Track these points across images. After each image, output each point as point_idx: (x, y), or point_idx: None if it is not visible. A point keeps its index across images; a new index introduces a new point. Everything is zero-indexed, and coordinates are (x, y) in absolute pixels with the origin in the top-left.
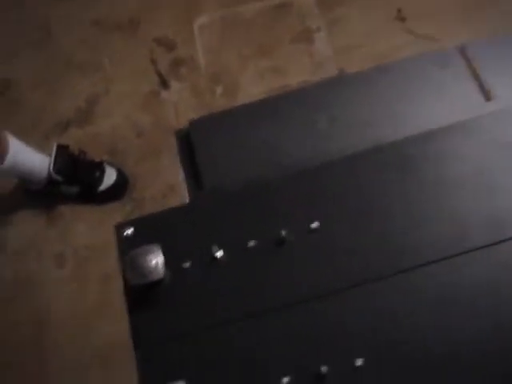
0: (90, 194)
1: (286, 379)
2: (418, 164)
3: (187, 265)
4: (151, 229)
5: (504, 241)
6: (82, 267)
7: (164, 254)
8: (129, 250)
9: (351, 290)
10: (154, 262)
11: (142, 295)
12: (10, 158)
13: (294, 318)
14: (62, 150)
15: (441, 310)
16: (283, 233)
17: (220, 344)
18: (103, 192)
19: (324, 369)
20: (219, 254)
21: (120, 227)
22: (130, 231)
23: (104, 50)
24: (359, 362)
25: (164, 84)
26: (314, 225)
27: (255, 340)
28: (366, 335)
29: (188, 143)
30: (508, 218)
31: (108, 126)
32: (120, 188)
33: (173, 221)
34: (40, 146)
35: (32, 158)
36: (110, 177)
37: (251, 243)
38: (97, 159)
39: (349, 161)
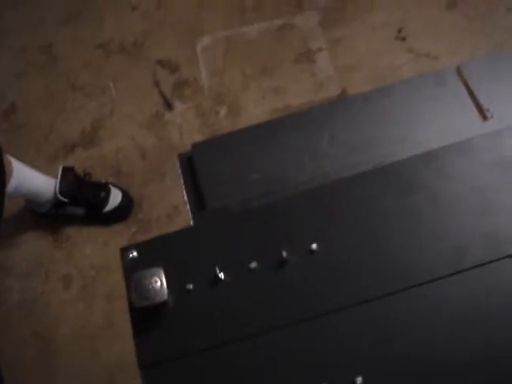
0: (96, 215)
1: None
2: (417, 184)
3: (190, 286)
4: (155, 252)
5: (503, 258)
6: (88, 288)
7: (167, 277)
8: (133, 272)
9: (351, 308)
10: (157, 284)
11: (146, 317)
12: (13, 182)
13: (296, 336)
14: (68, 172)
15: (441, 328)
16: (284, 254)
17: (224, 364)
18: (109, 213)
19: None
20: (222, 275)
21: (124, 250)
22: (134, 254)
23: (108, 72)
24: (359, 380)
25: (168, 105)
26: (315, 245)
27: (259, 359)
28: (366, 353)
29: (190, 166)
30: (506, 236)
31: (113, 148)
32: (125, 209)
33: (176, 243)
34: (46, 168)
35: (36, 181)
36: (115, 198)
37: (253, 264)
38: (102, 181)
39: (348, 182)
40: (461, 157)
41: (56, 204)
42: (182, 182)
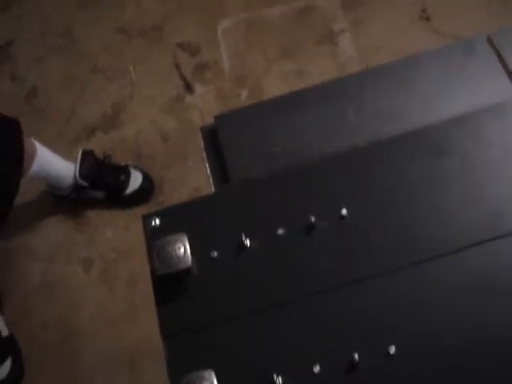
0: (117, 198)
1: (317, 367)
2: (449, 148)
3: (215, 254)
4: (178, 218)
5: None
6: (110, 271)
7: (191, 244)
8: (156, 240)
9: (383, 276)
10: (181, 250)
11: (169, 286)
12: (36, 166)
13: (325, 305)
14: (88, 155)
15: (475, 300)
16: (313, 219)
17: (249, 333)
18: (129, 196)
19: (356, 356)
20: (248, 242)
21: (147, 217)
22: (157, 221)
23: (128, 56)
24: (392, 349)
25: (188, 88)
26: (345, 211)
27: (284, 329)
28: (398, 323)
29: (213, 139)
30: None
31: (134, 131)
32: (146, 191)
33: (200, 210)
34: (67, 152)
35: (58, 165)
36: (135, 180)
37: (280, 230)
38: (122, 163)
39: (378, 146)
40: (495, 120)
41: (76, 188)
42: (204, 155)
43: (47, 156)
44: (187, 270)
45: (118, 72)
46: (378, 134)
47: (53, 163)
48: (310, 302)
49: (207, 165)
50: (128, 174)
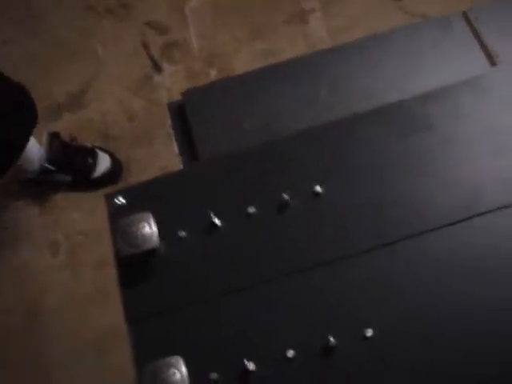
0: (84, 181)
1: (291, 352)
2: (425, 123)
3: (183, 234)
4: (144, 197)
5: None
6: (76, 254)
7: (158, 223)
8: (119, 219)
9: (358, 256)
10: (146, 230)
11: (134, 267)
12: None
13: (298, 286)
14: (54, 138)
15: (453, 280)
16: (285, 197)
17: (218, 317)
18: (97, 178)
19: (332, 340)
20: (217, 221)
21: (110, 197)
22: (120, 200)
23: (96, 34)
24: (369, 332)
25: (157, 67)
26: (319, 188)
27: (256, 311)
28: (376, 305)
29: (181, 115)
30: None
31: (100, 111)
32: (114, 173)
33: (167, 188)
34: None
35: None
36: (103, 163)
37: (251, 209)
38: (89, 144)
39: (350, 122)
40: (472, 95)
41: (43, 171)
42: (172, 132)
43: None
44: (153, 251)
45: (84, 50)
46: (351, 110)
47: None
48: (282, 283)
49: (175, 143)
50: (95, 157)
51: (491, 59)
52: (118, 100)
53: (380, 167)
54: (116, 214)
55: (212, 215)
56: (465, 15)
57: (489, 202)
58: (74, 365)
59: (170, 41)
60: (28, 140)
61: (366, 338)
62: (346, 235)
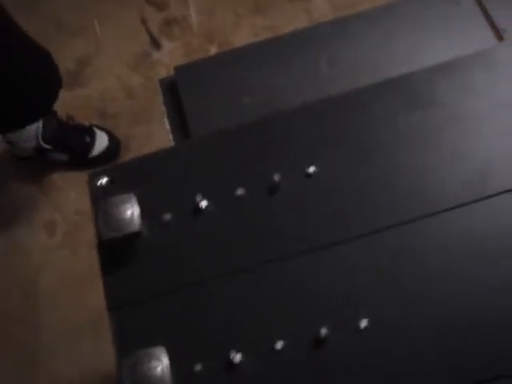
0: (82, 160)
1: (280, 343)
2: (430, 99)
3: (168, 217)
4: (128, 177)
5: None
6: (73, 234)
7: (142, 205)
8: (101, 201)
9: (354, 242)
10: (128, 212)
11: (116, 252)
12: None
13: (289, 273)
14: (50, 117)
15: (456, 266)
16: (276, 178)
17: (204, 305)
18: (95, 157)
19: (324, 331)
20: (204, 203)
21: (93, 176)
22: (104, 180)
23: (93, 10)
24: (364, 323)
25: (155, 44)
26: (312, 169)
27: (244, 300)
28: (371, 294)
29: (174, 92)
30: None
31: (98, 89)
32: (112, 152)
33: (152, 168)
34: None
35: None
36: (101, 141)
37: (240, 191)
38: (86, 123)
39: (351, 96)
40: (481, 69)
41: (39, 150)
42: (164, 109)
43: None
44: (136, 235)
45: (82, 28)
46: (353, 84)
47: None
48: (271, 269)
49: (166, 120)
50: (93, 136)
51: (498, 34)
52: (117, 77)
53: (381, 145)
54: (99, 194)
55: (199, 197)
56: None
57: (497, 184)
58: (70, 345)
59: (169, 17)
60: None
61: (361, 329)
62: (341, 220)
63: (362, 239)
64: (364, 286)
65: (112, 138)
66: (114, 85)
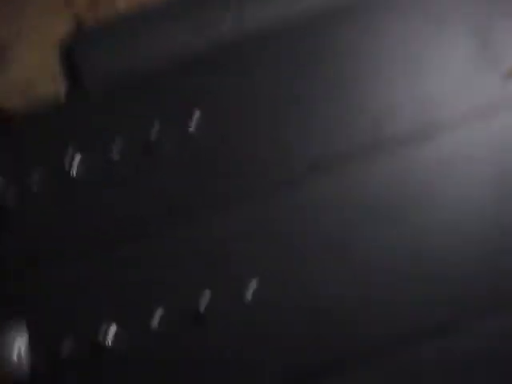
0: None
1: (156, 317)
2: (332, 40)
3: (36, 181)
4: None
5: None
6: None
7: (6, 169)
8: None
9: (240, 203)
10: None
11: None
12: None
13: (168, 237)
14: None
15: (352, 227)
16: (153, 137)
17: (70, 277)
18: None
19: (203, 302)
20: (75, 166)
21: None
22: None
23: None
24: (249, 294)
25: (81, 26)
26: (191, 129)
27: (114, 271)
28: (257, 259)
29: (71, 57)
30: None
31: (22, 72)
32: None
33: (23, 129)
34: None
35: None
36: None
37: (114, 153)
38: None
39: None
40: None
41: None
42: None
43: None
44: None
45: (3, 8)
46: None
47: None
48: (152, 233)
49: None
50: None
51: None
52: (41, 60)
53: (267, 96)
54: None
55: (70, 161)
56: None
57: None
58: None
59: None
60: None
61: (245, 301)
62: (223, 179)
63: (246, 200)
64: (248, 250)
65: None
66: (39, 68)
